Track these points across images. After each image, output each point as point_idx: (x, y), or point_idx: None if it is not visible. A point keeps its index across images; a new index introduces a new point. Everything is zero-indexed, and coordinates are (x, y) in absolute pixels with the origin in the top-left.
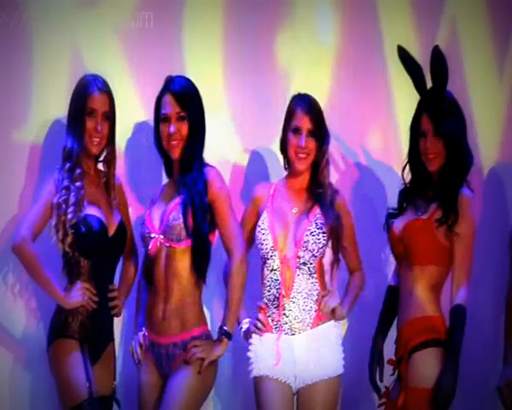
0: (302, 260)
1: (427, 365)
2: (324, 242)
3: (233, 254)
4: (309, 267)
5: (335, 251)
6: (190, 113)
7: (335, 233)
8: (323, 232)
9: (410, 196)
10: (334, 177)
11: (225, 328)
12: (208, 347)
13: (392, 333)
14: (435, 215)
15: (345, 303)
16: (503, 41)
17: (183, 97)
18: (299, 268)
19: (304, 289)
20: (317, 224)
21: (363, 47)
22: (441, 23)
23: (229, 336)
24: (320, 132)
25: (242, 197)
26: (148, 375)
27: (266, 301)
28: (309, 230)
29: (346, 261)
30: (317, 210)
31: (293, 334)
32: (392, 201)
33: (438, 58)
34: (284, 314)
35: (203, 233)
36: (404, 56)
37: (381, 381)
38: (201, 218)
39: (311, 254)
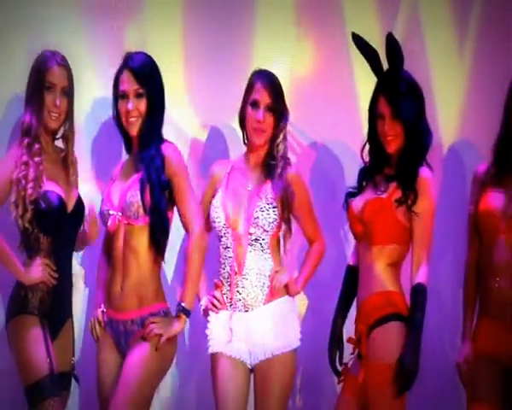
0: (254, 237)
1: (387, 340)
2: (275, 216)
3: (191, 231)
4: (261, 243)
5: (286, 222)
6: (149, 89)
7: (285, 204)
8: (274, 207)
9: (369, 175)
10: (293, 156)
11: (183, 304)
12: (166, 323)
13: (353, 314)
14: (395, 195)
15: (300, 278)
16: (462, 21)
17: (141, 74)
18: (251, 245)
19: (256, 265)
20: (267, 199)
21: (325, 28)
22: (402, 5)
23: (187, 312)
24: (278, 108)
25: (201, 173)
26: (107, 351)
27: (222, 278)
28: (258, 206)
29: (303, 232)
30: (268, 185)
31: (246, 310)
32: (351, 180)
33: (391, 45)
34: (237, 291)
35: (161, 210)
36: (359, 42)
37: (341, 364)
38: (159, 195)
39: (262, 229)
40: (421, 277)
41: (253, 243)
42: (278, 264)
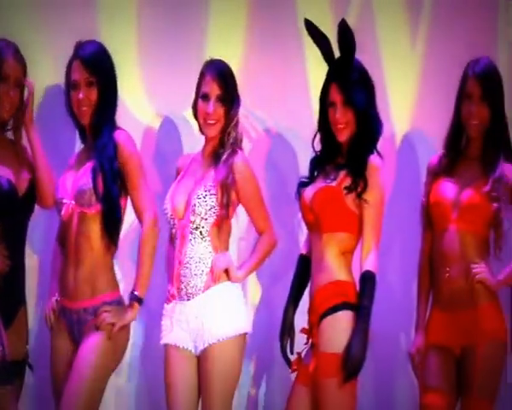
0: (194, 225)
1: (337, 329)
2: (212, 203)
3: (143, 219)
4: (201, 231)
5: (225, 207)
6: (100, 78)
7: (224, 191)
8: (212, 194)
9: (320, 165)
10: (246, 145)
11: (136, 293)
12: (119, 312)
13: (306, 304)
14: (344, 182)
15: (244, 265)
16: (414, 11)
17: (91, 63)
18: (192, 233)
19: (196, 253)
20: (205, 186)
21: (277, 16)
22: None
23: (139, 301)
24: (229, 98)
25: (154, 162)
26: (60, 340)
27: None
28: (197, 193)
29: (252, 222)
30: (210, 173)
31: (188, 299)
32: (304, 168)
33: (344, 31)
34: (180, 281)
35: (113, 198)
36: (311, 29)
37: (292, 353)
38: (111, 182)
39: (200, 217)
40: (369, 264)
41: (194, 231)
42: (220, 251)
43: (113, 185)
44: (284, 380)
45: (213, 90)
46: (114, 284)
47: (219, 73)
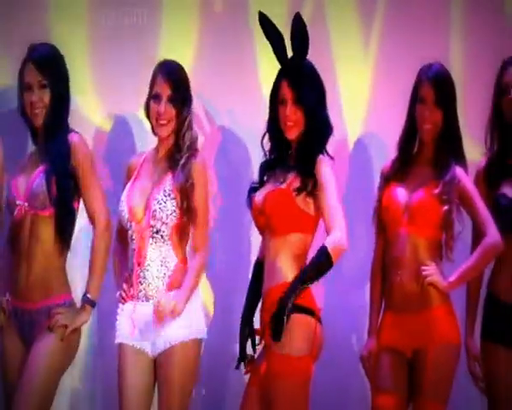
0: (155, 229)
1: (288, 330)
2: (173, 208)
3: (96, 221)
4: (162, 235)
5: (185, 213)
6: (52, 80)
7: (184, 195)
8: (172, 199)
9: (270, 168)
10: (199, 140)
11: (88, 295)
12: (71, 314)
13: None
14: (294, 184)
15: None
16: (367, 12)
17: (44, 65)
18: (153, 237)
19: (158, 257)
20: (165, 191)
21: (230, 13)
22: None
23: (92, 303)
24: (180, 98)
25: (106, 163)
26: (11, 341)
27: (129, 270)
28: (156, 198)
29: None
30: (168, 177)
31: (148, 301)
32: (256, 165)
33: (298, 26)
34: (140, 282)
35: (66, 200)
36: (265, 24)
37: (248, 358)
38: (64, 185)
39: (160, 222)
40: (328, 241)
41: (155, 235)
42: (180, 254)
43: (66, 188)
44: (238, 385)
45: (164, 90)
46: (67, 286)
47: (171, 73)
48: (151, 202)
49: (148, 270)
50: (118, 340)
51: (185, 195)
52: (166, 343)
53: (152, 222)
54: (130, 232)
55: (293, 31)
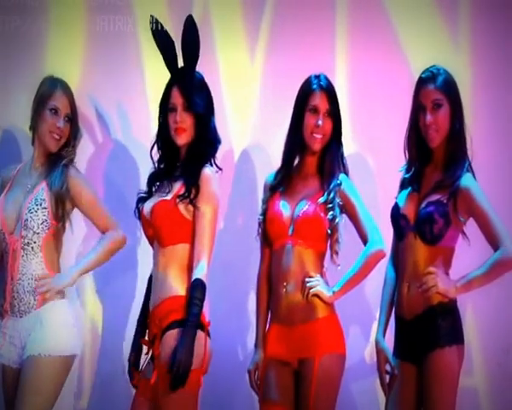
0: (26, 240)
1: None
2: (44, 217)
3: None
4: (32, 247)
5: (60, 219)
6: None
7: (59, 202)
8: (43, 208)
9: (158, 179)
10: (89, 149)
11: None
12: None
13: None
14: (179, 193)
15: (75, 268)
16: (252, 21)
17: None
18: (24, 249)
19: (28, 270)
20: (36, 200)
21: (115, 21)
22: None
23: None
24: (75, 116)
25: None
26: None
27: (4, 284)
28: (28, 207)
29: (95, 226)
30: (42, 185)
31: (21, 316)
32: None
33: (190, 31)
34: (13, 297)
35: None
36: (156, 29)
37: (138, 371)
38: None
39: (32, 232)
40: (199, 272)
41: (26, 246)
42: (51, 267)
43: None
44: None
45: (64, 107)
46: None
47: (69, 91)
48: (23, 211)
49: (20, 284)
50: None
51: (60, 201)
52: (29, 353)
53: (23, 232)
54: (3, 245)
55: (184, 37)
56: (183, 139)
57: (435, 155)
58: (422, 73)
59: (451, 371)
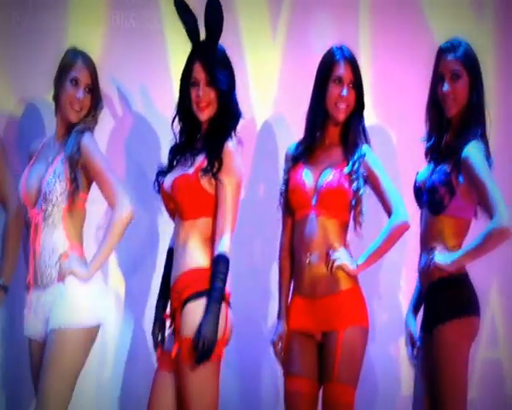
0: (47, 213)
1: (196, 315)
2: (62, 189)
3: (7, 208)
4: (53, 220)
5: (73, 182)
6: None
7: (72, 165)
8: (62, 179)
9: (179, 152)
10: (110, 123)
11: (0, 281)
12: None
13: None
14: (202, 167)
15: (93, 259)
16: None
17: None
18: (45, 222)
19: (49, 243)
20: (55, 172)
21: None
22: None
23: (5, 288)
24: (96, 87)
25: (18, 150)
26: None
27: (29, 258)
28: (47, 180)
29: (105, 198)
30: (60, 157)
31: (44, 290)
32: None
33: (213, 5)
34: (36, 270)
35: None
36: (179, 3)
37: (162, 346)
38: None
39: (51, 204)
40: (222, 247)
41: (46, 219)
42: (73, 240)
43: None
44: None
45: (85, 77)
46: None
47: (90, 63)
48: (43, 184)
49: (41, 257)
50: (24, 332)
51: (71, 165)
52: (50, 327)
53: (44, 205)
54: (26, 218)
55: (207, 12)
56: (205, 114)
57: (452, 126)
58: (443, 43)
59: (454, 345)
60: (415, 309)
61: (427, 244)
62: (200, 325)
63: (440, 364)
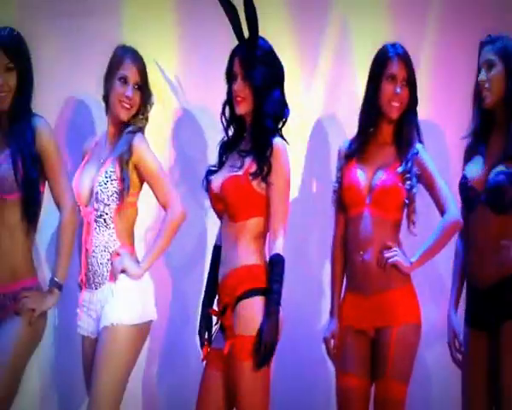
0: (99, 213)
1: (251, 313)
2: (114, 189)
3: (62, 205)
4: (105, 219)
5: (123, 182)
6: (18, 63)
7: (122, 164)
8: (113, 180)
9: (228, 150)
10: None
11: (55, 279)
12: (39, 298)
13: None
14: (250, 169)
15: (145, 257)
16: None
17: (10, 48)
18: (96, 221)
19: (101, 242)
20: (106, 172)
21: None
22: None
23: (59, 286)
24: (147, 86)
25: (69, 149)
26: None
27: (82, 256)
28: (98, 180)
29: (156, 199)
30: (111, 157)
31: (96, 288)
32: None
33: (250, 4)
34: (88, 269)
35: (33, 184)
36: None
37: (210, 344)
38: (31, 169)
39: (103, 204)
40: (277, 247)
41: (98, 218)
42: (124, 239)
43: (33, 171)
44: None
45: (134, 75)
46: (33, 270)
47: (139, 59)
48: (95, 184)
49: (93, 256)
50: (78, 330)
51: (121, 165)
52: (103, 324)
53: (96, 205)
54: (79, 217)
55: (247, 8)
56: (241, 109)
57: (497, 120)
58: (485, 38)
59: None
60: (455, 306)
61: (488, 242)
62: (261, 329)
63: (510, 360)
